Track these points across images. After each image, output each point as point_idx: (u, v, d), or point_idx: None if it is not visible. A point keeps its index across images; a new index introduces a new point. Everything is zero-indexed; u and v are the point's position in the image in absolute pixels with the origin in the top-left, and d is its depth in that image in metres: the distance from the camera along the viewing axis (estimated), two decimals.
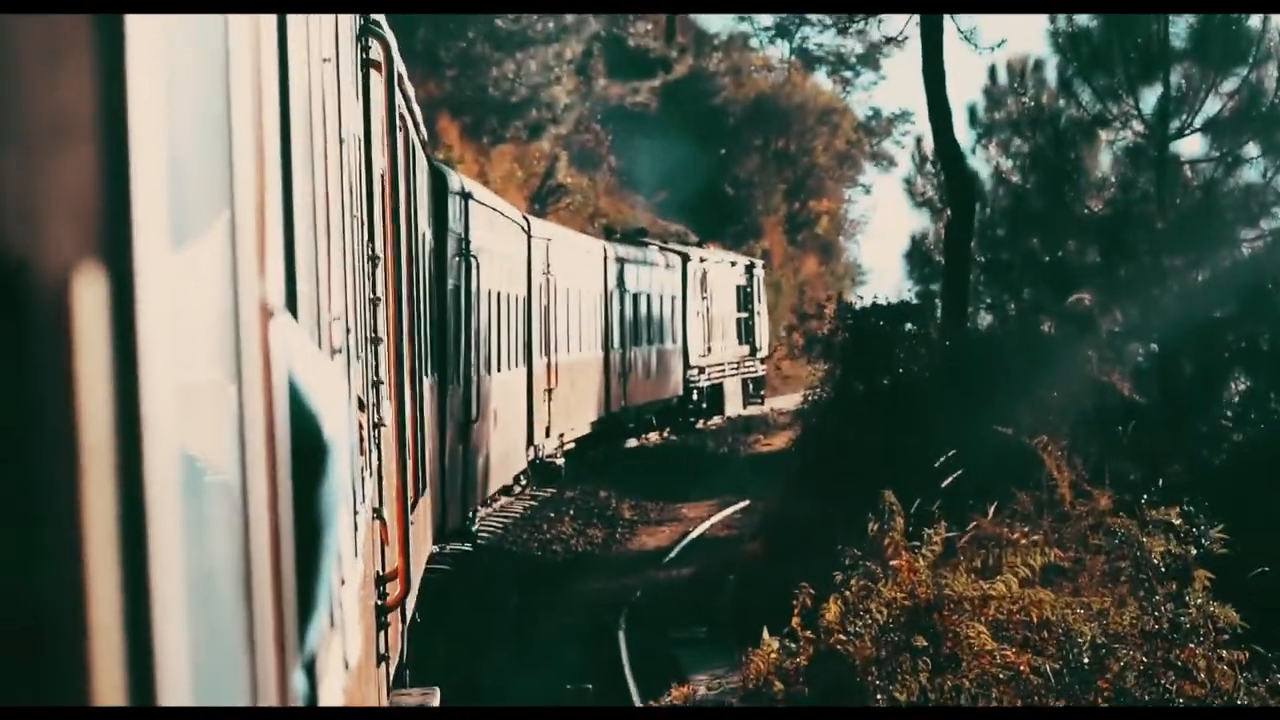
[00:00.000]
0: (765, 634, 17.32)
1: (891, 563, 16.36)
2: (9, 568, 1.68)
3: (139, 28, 1.97)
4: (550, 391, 32.04)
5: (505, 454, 27.47)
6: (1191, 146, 27.74)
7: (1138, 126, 27.36)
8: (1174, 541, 16.70)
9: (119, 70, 1.91)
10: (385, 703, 7.63)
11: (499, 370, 26.54)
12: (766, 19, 78.65)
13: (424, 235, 17.40)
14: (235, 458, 2.39)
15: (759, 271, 56.71)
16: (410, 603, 14.77)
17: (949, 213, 28.01)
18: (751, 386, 55.15)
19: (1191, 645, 15.74)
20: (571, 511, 30.33)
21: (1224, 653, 15.73)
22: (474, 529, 24.84)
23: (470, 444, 23.51)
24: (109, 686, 1.72)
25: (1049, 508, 18.25)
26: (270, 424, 2.64)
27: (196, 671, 1.97)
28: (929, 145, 31.92)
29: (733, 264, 54.07)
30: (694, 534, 28.64)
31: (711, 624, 21.81)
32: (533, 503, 30.52)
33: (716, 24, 77.44)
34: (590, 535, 28.55)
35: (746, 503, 31.88)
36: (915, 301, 30.08)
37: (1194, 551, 16.60)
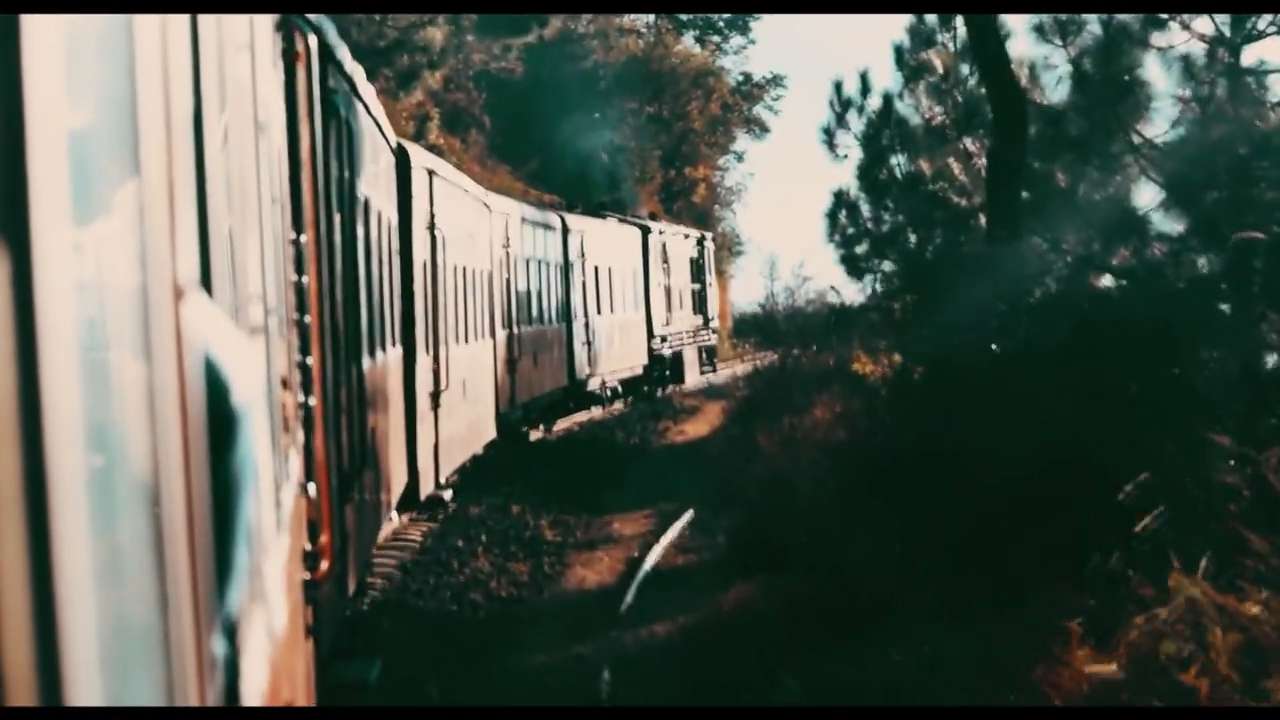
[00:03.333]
0: None
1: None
2: None
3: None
4: (513, 362, 32.29)
5: (473, 422, 27.68)
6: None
7: (1203, 28, 21.93)
8: None
9: (13, 49, 1.95)
10: (313, 673, 7.69)
11: (464, 342, 26.85)
12: None
13: (380, 213, 17.56)
14: (146, 433, 2.43)
15: (709, 244, 58.14)
16: (354, 577, 14.80)
17: (993, 142, 22.80)
18: (704, 355, 56.20)
19: None
20: (484, 537, 24.30)
21: None
22: (447, 496, 24.86)
23: (439, 413, 23.82)
24: (15, 654, 1.76)
25: None
26: (183, 399, 2.68)
27: (107, 637, 2.02)
28: (854, 86, 29.58)
29: (686, 236, 55.40)
30: (646, 566, 22.58)
31: None
32: (433, 524, 24.82)
33: None
34: (513, 572, 22.27)
35: (690, 515, 26.47)
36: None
37: None
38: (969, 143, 27.07)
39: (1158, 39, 22.00)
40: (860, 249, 29.79)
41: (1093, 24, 22.63)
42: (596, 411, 42.37)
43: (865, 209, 29.79)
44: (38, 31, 2.02)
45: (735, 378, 52.93)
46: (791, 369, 35.48)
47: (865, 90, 29.75)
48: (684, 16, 77.54)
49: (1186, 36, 21.76)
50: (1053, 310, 19.48)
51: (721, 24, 78.38)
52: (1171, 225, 21.79)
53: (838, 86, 29.82)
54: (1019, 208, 21.75)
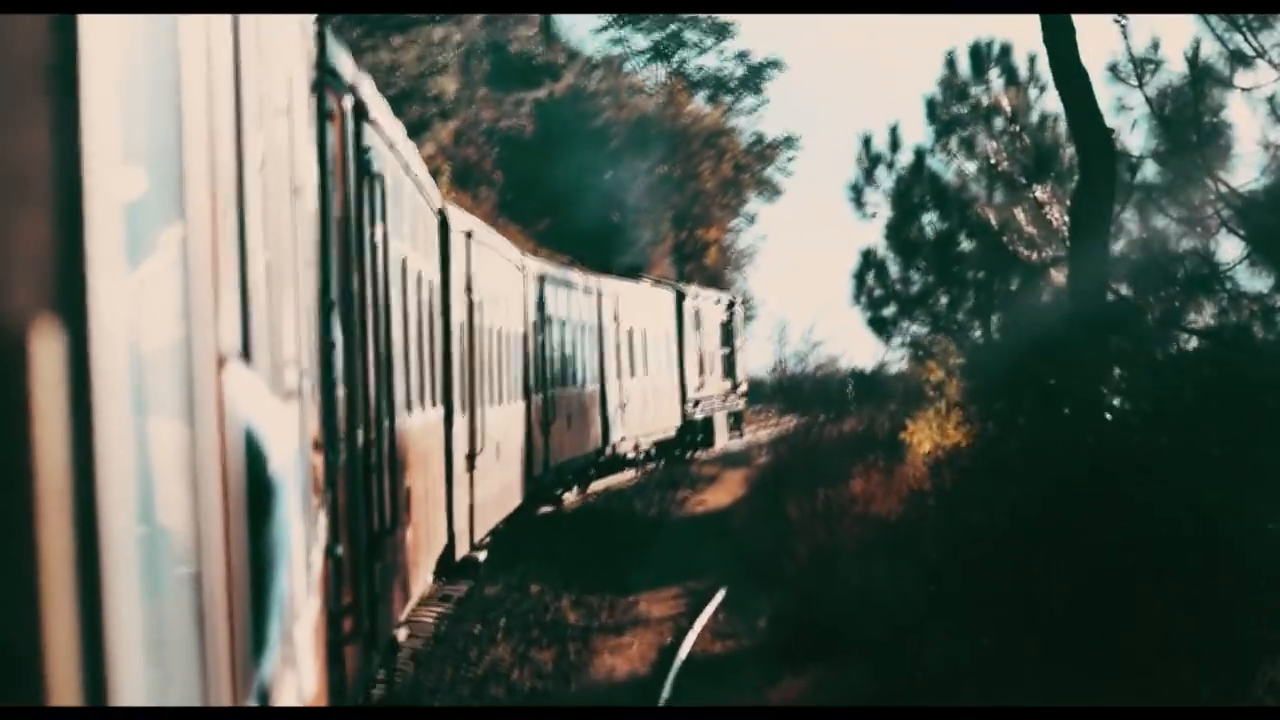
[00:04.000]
0: None
1: None
2: None
3: (94, 79, 2.04)
4: (547, 425, 32.36)
5: (506, 485, 27.72)
6: None
7: None
8: None
9: (74, 122, 1.98)
10: None
11: (499, 404, 26.94)
12: (641, 42, 75.67)
13: (420, 274, 17.70)
14: (189, 500, 2.45)
15: (738, 309, 58.48)
16: (386, 633, 14.80)
17: (1078, 188, 21.01)
18: (732, 419, 56.31)
19: None
20: (503, 620, 22.44)
21: None
22: (481, 558, 24.71)
23: (474, 475, 23.87)
24: None
25: None
26: (224, 467, 2.70)
27: (150, 700, 2.03)
28: (883, 141, 28.61)
29: (717, 300, 55.75)
30: (681, 655, 20.45)
31: None
32: (446, 608, 22.81)
33: (590, 46, 70.85)
34: (536, 661, 20.36)
35: (722, 594, 24.72)
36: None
37: None
38: (1039, 191, 25.13)
39: (1243, 78, 20.16)
40: (888, 311, 28.99)
41: (1173, 62, 20.80)
42: (613, 479, 42.17)
43: (894, 269, 28.94)
44: (97, 96, 2.05)
45: (749, 444, 52.66)
46: (817, 437, 34.56)
47: (895, 145, 29.07)
48: (695, 77, 76.85)
49: (1276, 75, 19.92)
50: (1179, 371, 17.51)
51: (734, 84, 78.04)
52: (1256, 282, 19.84)
53: (866, 142, 29.14)
54: (1107, 261, 20.05)
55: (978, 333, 28.10)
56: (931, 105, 28.06)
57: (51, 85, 1.93)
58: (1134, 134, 20.87)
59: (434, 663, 19.69)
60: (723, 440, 53.52)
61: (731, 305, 57.37)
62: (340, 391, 7.09)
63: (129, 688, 1.92)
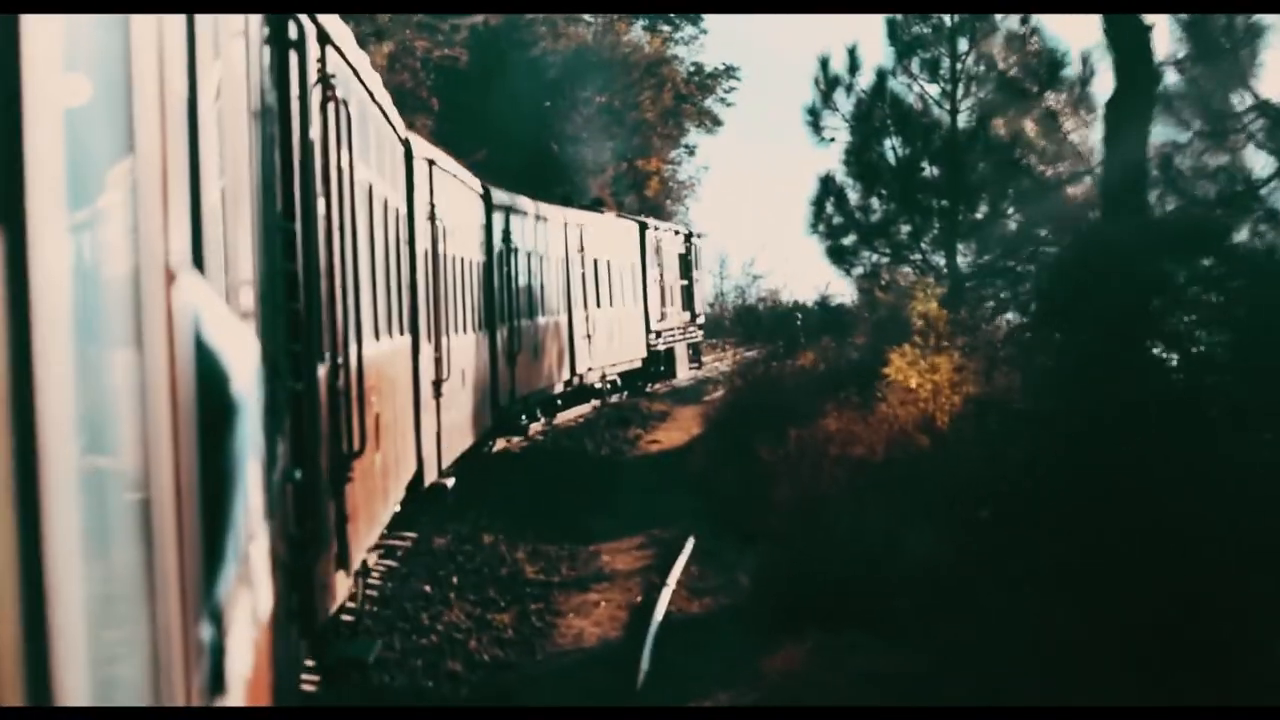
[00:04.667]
0: None
1: None
2: None
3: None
4: (513, 355, 32.34)
5: (472, 413, 27.73)
6: None
7: None
8: None
9: (12, 32, 1.95)
10: (294, 655, 7.71)
11: (465, 333, 26.92)
12: None
13: (386, 201, 17.61)
14: (137, 417, 2.43)
15: (696, 241, 58.45)
16: (360, 555, 14.79)
17: (1114, 94, 19.07)
18: (692, 351, 56.39)
19: None
20: (455, 578, 20.39)
21: None
22: (449, 484, 24.59)
23: (440, 402, 23.86)
24: (4, 628, 1.76)
25: None
26: (174, 384, 2.68)
27: (94, 619, 2.02)
28: (841, 63, 27.16)
29: (676, 232, 55.85)
30: (657, 616, 18.31)
31: None
32: (394, 564, 20.57)
33: None
34: (494, 624, 18.35)
35: (691, 544, 22.33)
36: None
37: None
38: (1052, 98, 24.30)
39: None
40: (848, 240, 27.85)
41: None
42: (580, 410, 41.91)
43: (854, 196, 27.72)
44: (37, 21, 2.02)
45: (696, 379, 51.91)
46: (778, 372, 32.31)
47: (854, 68, 27.60)
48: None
49: None
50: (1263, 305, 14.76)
51: (671, 14, 75.60)
52: None
53: (824, 63, 27.66)
54: (1145, 175, 18.30)
55: (941, 261, 27.24)
56: (893, 25, 26.92)
57: None
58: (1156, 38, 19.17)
59: (380, 628, 17.54)
60: (684, 371, 53.63)
61: (689, 237, 57.49)
62: (301, 314, 7.07)
63: (67, 594, 1.90)
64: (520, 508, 25.46)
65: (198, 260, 3.33)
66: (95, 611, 2.07)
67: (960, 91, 26.74)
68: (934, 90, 26.93)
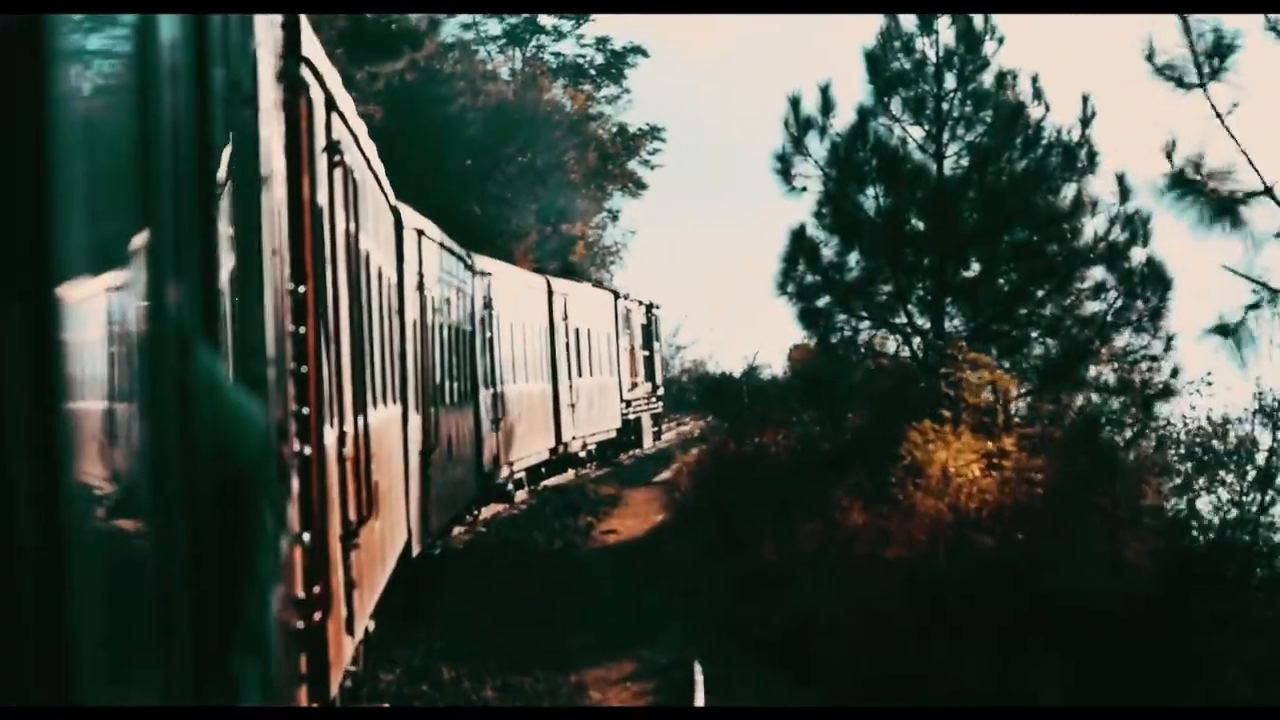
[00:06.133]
0: None
1: None
2: None
3: (60, 58, 2.05)
4: (498, 422, 32.30)
5: (457, 482, 27.72)
6: None
7: None
8: None
9: (41, 107, 1.99)
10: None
11: (450, 402, 26.90)
12: (495, 27, 70.83)
13: (380, 269, 17.65)
14: (150, 487, 2.46)
15: (656, 311, 58.40)
16: (364, 621, 14.81)
17: None
18: (653, 421, 56.12)
19: None
20: None
21: None
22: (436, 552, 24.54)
23: (430, 470, 23.93)
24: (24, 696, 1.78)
25: None
26: (187, 454, 2.71)
27: (105, 681, 2.04)
28: (813, 102, 24.67)
29: (640, 302, 55.77)
30: None
31: None
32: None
33: (443, 30, 65.48)
34: None
35: (701, 678, 16.83)
36: None
37: None
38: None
39: None
40: (821, 301, 25.10)
41: None
42: (561, 478, 41.18)
43: (828, 252, 25.06)
44: (62, 75, 2.05)
45: (635, 456, 48.77)
46: (749, 450, 27.44)
47: (827, 108, 25.04)
48: (552, 63, 71.92)
49: None
50: None
51: (593, 72, 73.72)
52: None
53: (794, 103, 24.95)
54: None
55: (926, 325, 24.93)
56: (872, 59, 24.54)
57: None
58: None
59: None
60: (649, 441, 53.50)
61: (650, 308, 57.52)
62: (310, 381, 7.13)
63: (84, 665, 1.93)
64: (478, 621, 21.78)
65: (210, 327, 3.37)
66: (107, 673, 2.09)
67: (946, 135, 24.77)
68: (918, 133, 24.78)
